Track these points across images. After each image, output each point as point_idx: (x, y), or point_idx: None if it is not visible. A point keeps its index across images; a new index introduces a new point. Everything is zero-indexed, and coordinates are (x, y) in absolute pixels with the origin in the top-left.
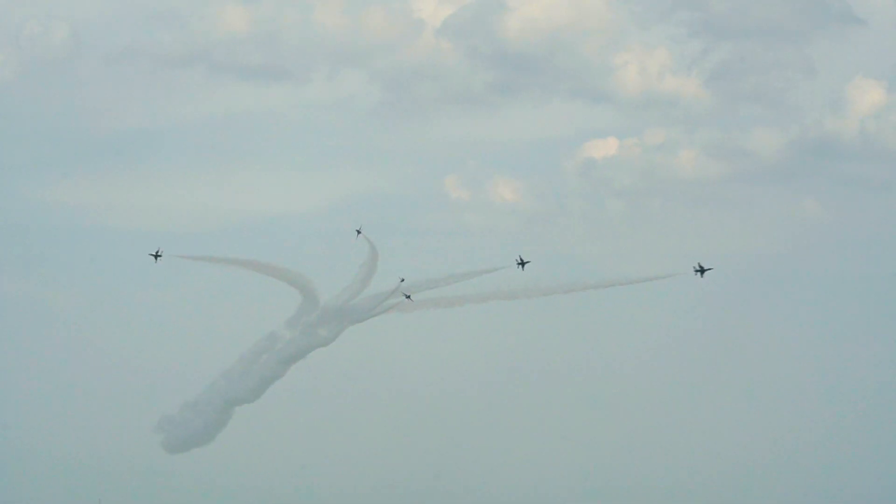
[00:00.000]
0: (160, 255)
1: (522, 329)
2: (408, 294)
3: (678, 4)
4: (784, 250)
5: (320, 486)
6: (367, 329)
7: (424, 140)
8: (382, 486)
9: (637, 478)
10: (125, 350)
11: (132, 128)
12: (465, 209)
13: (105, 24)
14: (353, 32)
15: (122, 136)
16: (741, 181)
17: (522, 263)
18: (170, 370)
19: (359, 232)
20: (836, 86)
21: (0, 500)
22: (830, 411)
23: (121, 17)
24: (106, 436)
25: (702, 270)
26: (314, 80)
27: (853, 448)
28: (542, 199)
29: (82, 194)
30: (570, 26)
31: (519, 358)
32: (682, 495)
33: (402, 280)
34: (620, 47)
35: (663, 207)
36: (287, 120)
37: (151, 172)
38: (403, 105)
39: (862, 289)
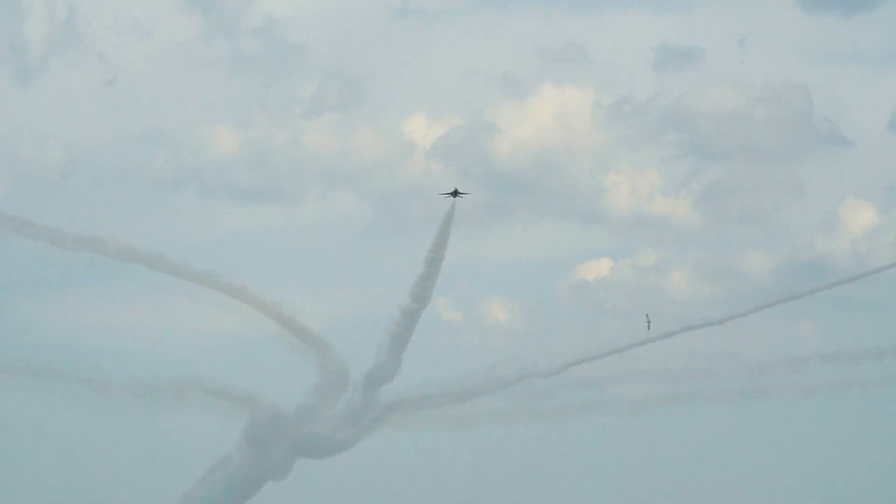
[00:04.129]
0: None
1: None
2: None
3: (666, 125)
4: (780, 368)
5: None
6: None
7: (417, 261)
8: None
9: None
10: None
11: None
12: (457, 330)
13: (98, 145)
14: (345, 153)
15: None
16: (734, 302)
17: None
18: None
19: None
20: (828, 207)
21: None
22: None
23: (113, 138)
24: None
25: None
26: (306, 201)
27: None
28: (536, 320)
29: (70, 317)
30: (561, 147)
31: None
32: None
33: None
34: (611, 168)
35: (656, 328)
36: (279, 241)
37: (144, 294)
38: (395, 226)
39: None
